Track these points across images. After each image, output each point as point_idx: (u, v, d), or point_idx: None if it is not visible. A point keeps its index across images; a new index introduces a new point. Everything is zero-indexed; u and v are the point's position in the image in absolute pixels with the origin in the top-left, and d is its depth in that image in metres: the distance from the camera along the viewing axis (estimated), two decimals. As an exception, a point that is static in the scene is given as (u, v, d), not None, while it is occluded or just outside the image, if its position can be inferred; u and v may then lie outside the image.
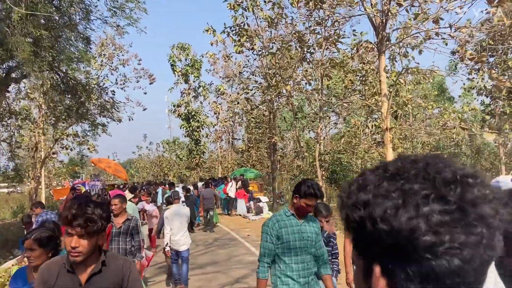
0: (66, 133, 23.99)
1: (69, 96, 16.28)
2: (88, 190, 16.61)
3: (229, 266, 9.04)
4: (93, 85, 17.07)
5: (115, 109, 18.48)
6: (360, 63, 16.65)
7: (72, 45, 12.33)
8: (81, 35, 13.45)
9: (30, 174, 24.09)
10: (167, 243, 7.39)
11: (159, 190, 16.33)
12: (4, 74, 12.96)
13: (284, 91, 17.27)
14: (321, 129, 17.05)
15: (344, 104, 15.41)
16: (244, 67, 20.82)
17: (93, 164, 23.10)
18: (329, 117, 20.08)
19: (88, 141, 27.60)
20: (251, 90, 19.42)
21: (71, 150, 29.12)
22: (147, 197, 11.71)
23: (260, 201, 17.09)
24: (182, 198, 12.97)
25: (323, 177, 17.19)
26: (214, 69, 28.30)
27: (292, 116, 20.35)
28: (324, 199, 17.02)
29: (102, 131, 21.87)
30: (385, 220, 0.69)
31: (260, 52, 18.73)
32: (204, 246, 11.77)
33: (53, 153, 25.81)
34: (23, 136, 24.22)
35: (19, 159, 15.96)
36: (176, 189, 12.35)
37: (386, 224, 0.68)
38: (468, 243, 0.65)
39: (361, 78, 16.61)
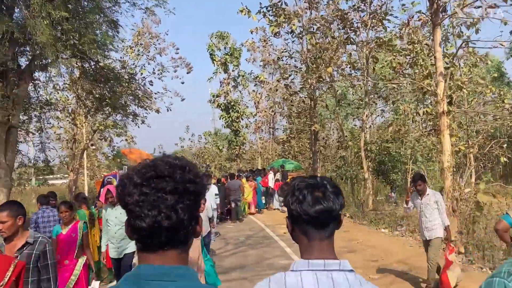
0: (103, 124, 23.69)
1: (101, 85, 15.69)
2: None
3: (258, 271, 7.97)
4: (123, 73, 16.32)
5: (146, 97, 17.75)
6: (410, 43, 15.05)
7: (96, 28, 11.55)
8: (108, 18, 12.73)
9: (69, 166, 24.05)
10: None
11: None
12: (28, 61, 12.42)
13: (326, 75, 15.95)
14: (366, 116, 15.61)
15: (394, 85, 13.90)
16: (283, 51, 19.59)
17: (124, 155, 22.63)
18: (376, 103, 18.53)
19: (126, 132, 27.38)
20: (289, 76, 18.19)
21: (110, 141, 29.08)
22: None
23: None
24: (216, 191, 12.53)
25: (369, 169, 15.78)
26: (253, 57, 27.17)
27: (334, 103, 18.98)
28: (371, 192, 15.69)
29: (133, 121, 21.40)
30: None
31: (299, 35, 17.46)
32: (234, 245, 10.83)
33: (91, 145, 25.65)
34: (61, 128, 24.17)
35: (50, 150, 15.55)
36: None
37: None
38: None
39: (410, 60, 15.02)
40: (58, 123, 24.00)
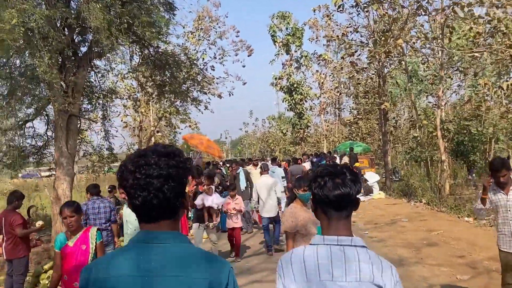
0: (168, 111, 23.78)
1: (161, 71, 15.48)
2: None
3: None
4: (184, 58, 15.98)
5: (207, 82, 17.34)
6: (491, 6, 13.32)
7: (151, 11, 11.14)
8: (163, 0, 12.34)
9: (137, 153, 24.52)
10: (255, 207, 9.31)
11: (240, 171, 11.76)
12: (87, 48, 12.34)
13: (395, 49, 14.60)
14: (442, 91, 14.13)
15: (477, 54, 12.33)
16: (347, 27, 18.32)
17: (185, 141, 22.57)
18: (451, 78, 16.83)
19: (189, 118, 27.42)
20: (355, 51, 16.94)
21: (175, 128, 29.30)
22: (209, 183, 7.83)
23: (366, 181, 14.86)
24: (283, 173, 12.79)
25: (446, 150, 14.33)
26: (315, 35, 25.94)
27: (405, 79, 17.49)
28: (447, 174, 14.25)
29: (196, 107, 21.15)
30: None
31: (365, 7, 16.14)
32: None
33: (157, 132, 25.93)
34: (128, 116, 24.59)
35: (113, 138, 15.60)
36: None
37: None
38: None
39: (491, 29, 13.33)
40: (125, 111, 24.47)
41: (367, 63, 16.59)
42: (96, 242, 4.04)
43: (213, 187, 7.86)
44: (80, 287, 1.51)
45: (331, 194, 1.76)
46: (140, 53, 15.22)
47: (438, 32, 14.94)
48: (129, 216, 5.28)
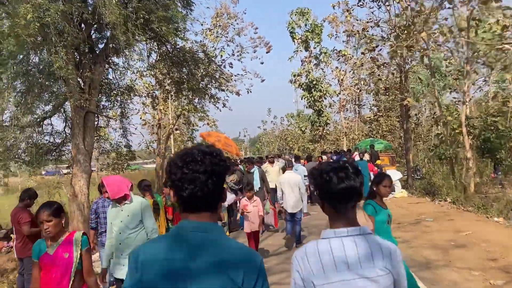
0: (186, 108, 23.68)
1: (178, 68, 15.34)
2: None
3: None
4: (202, 55, 15.79)
5: (224, 79, 17.13)
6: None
7: (168, 6, 10.95)
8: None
9: (156, 151, 24.47)
10: (281, 203, 9.04)
11: (255, 170, 11.33)
12: (104, 44, 12.24)
13: (418, 44, 14.13)
14: (468, 87, 13.62)
15: (507, 46, 11.82)
16: (368, 21, 17.88)
17: (202, 139, 22.42)
18: (477, 73, 16.26)
19: (207, 116, 27.29)
20: (376, 46, 16.52)
21: (192, 125, 29.23)
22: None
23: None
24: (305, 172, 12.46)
25: (472, 147, 13.82)
26: (335, 30, 25.46)
27: (428, 74, 16.97)
28: (473, 172, 13.76)
29: (214, 104, 20.94)
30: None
31: (386, 1, 15.76)
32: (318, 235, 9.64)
33: (176, 129, 25.87)
34: (147, 113, 24.58)
35: (131, 135, 15.52)
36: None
37: None
38: None
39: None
40: (144, 109, 24.45)
41: (389, 58, 16.12)
42: (81, 250, 3.43)
43: None
44: (129, 268, 1.69)
45: (336, 188, 1.89)
46: (157, 50, 15.12)
47: (464, 25, 14.44)
48: (114, 219, 4.62)
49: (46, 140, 14.41)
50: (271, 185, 11.61)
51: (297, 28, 33.18)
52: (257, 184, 10.69)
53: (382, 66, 17.97)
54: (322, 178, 1.95)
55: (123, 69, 14.96)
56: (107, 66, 14.25)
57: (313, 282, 1.84)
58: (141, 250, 1.70)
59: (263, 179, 11.09)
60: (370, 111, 33.71)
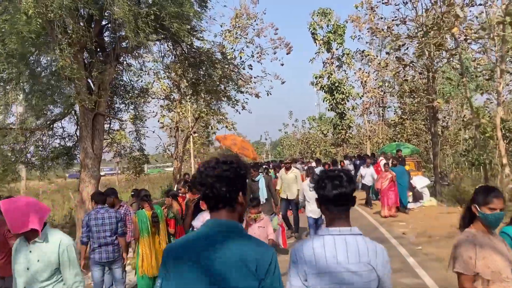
0: (204, 111, 23.15)
1: (194, 69, 14.79)
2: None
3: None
4: (218, 54, 15.19)
5: (242, 79, 16.49)
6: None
7: (178, 2, 10.35)
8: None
9: (173, 154, 24.01)
10: (302, 207, 9.40)
11: (260, 178, 9.72)
12: (114, 43, 11.74)
13: (448, 41, 13.23)
14: (503, 87, 12.64)
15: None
16: (393, 19, 16.99)
17: (218, 142, 21.77)
18: (510, 73, 15.19)
19: (226, 118, 26.73)
20: (403, 45, 15.62)
21: (211, 129, 28.71)
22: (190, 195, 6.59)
23: (414, 187, 13.60)
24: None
25: (507, 152, 12.80)
26: (358, 28, 24.51)
27: (459, 73, 15.96)
28: (510, 179, 12.70)
29: (233, 107, 20.31)
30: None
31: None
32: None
33: (194, 132, 25.38)
34: (165, 116, 24.15)
35: (145, 139, 15.01)
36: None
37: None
38: None
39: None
40: (162, 111, 23.99)
41: (416, 56, 15.21)
42: None
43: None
44: (162, 260, 1.99)
45: (331, 193, 2.17)
46: (172, 50, 14.59)
47: (497, 21, 13.48)
48: (18, 263, 3.22)
49: (57, 143, 14.06)
50: (287, 195, 10.48)
51: (319, 29, 32.37)
52: (263, 195, 9.30)
53: (408, 67, 17.01)
54: (319, 184, 2.25)
55: (137, 70, 14.51)
56: (120, 67, 13.85)
57: (305, 270, 2.15)
58: (173, 245, 2.07)
59: (269, 188, 9.62)
60: (394, 114, 32.61)
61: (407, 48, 15.89)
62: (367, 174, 14.74)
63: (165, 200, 6.33)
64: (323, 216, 8.52)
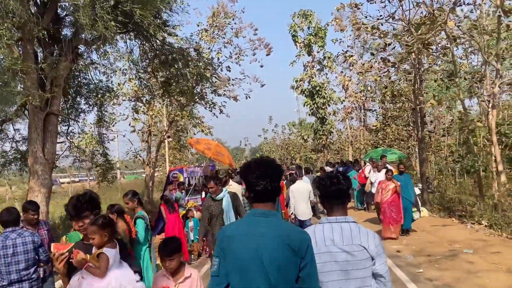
0: (179, 114, 21.82)
1: (165, 67, 13.53)
2: (186, 178, 13.70)
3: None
4: (193, 52, 13.95)
5: (216, 78, 15.30)
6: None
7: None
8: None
9: (145, 160, 22.56)
10: (292, 212, 9.67)
11: (224, 196, 6.62)
12: (72, 34, 10.42)
13: (438, 36, 12.35)
14: (499, 86, 11.77)
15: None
16: (379, 18, 16.04)
17: (190, 147, 20.47)
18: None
19: (202, 122, 25.45)
20: (389, 44, 14.67)
21: (187, 133, 27.37)
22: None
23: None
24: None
25: (503, 158, 11.91)
26: (340, 29, 23.52)
27: (446, 77, 15.09)
28: (506, 188, 11.81)
29: (208, 109, 19.11)
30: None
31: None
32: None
33: (168, 137, 23.98)
34: (137, 120, 22.71)
35: (109, 142, 13.67)
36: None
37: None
38: None
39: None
40: (133, 114, 22.51)
41: (406, 52, 14.27)
42: None
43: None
44: (217, 245, 2.42)
45: (330, 189, 2.73)
46: (141, 46, 13.34)
47: (490, 19, 12.72)
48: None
49: (12, 147, 12.64)
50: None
51: (299, 31, 31.40)
52: (228, 218, 6.49)
53: (393, 68, 16.08)
54: (321, 182, 2.81)
55: (99, 66, 13.19)
56: (82, 63, 12.53)
57: None
58: (226, 228, 2.55)
59: (236, 207, 6.68)
60: (376, 119, 31.82)
61: (394, 47, 14.96)
62: (377, 180, 11.80)
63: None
64: (310, 220, 9.50)
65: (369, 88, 29.50)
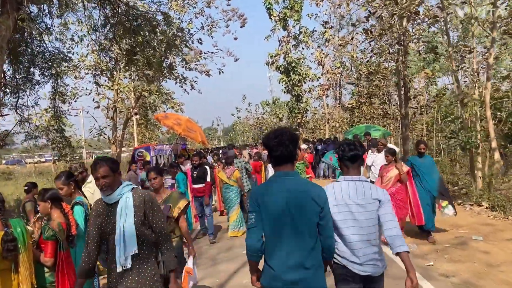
0: (147, 90, 20.35)
1: (127, 33, 12.10)
2: (153, 157, 12.47)
3: None
4: (157, 15, 12.54)
5: (186, 45, 13.96)
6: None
7: None
8: None
9: (111, 139, 21.09)
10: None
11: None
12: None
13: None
14: (494, 58, 10.93)
15: None
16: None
17: (157, 121, 19.12)
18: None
19: (172, 98, 24.05)
20: (374, 12, 13.62)
21: (157, 110, 25.91)
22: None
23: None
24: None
25: (496, 134, 11.14)
26: (317, 4, 22.31)
27: (430, 50, 14.20)
28: (499, 166, 11.06)
29: (179, 84, 17.78)
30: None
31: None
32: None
33: (135, 114, 22.50)
34: (100, 95, 21.12)
35: (66, 117, 12.23)
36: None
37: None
38: None
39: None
40: (97, 89, 20.87)
41: (388, 26, 13.31)
42: None
43: None
44: (252, 202, 2.88)
45: (348, 154, 3.27)
46: (99, 8, 11.88)
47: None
48: None
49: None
50: None
51: (274, 4, 29.99)
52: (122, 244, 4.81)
53: (377, 38, 15.06)
54: (340, 148, 3.34)
55: (52, 29, 11.69)
56: (31, 26, 10.99)
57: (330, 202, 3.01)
58: (259, 187, 3.10)
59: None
60: (351, 98, 31.07)
61: (380, 15, 13.91)
62: (376, 163, 9.40)
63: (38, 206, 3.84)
64: None
65: (344, 66, 28.58)
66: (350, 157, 3.24)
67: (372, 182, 8.18)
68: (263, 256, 2.86)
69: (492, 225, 8.17)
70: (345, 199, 3.14)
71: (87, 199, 4.33)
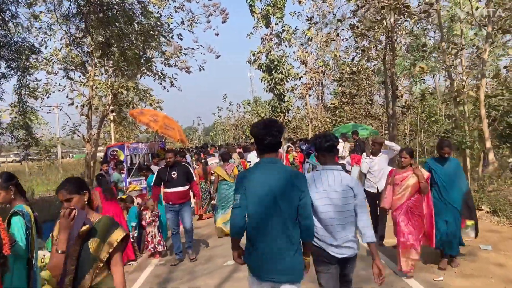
0: (124, 86, 19.38)
1: (103, 24, 11.26)
2: (128, 156, 11.63)
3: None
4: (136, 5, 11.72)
5: (164, 36, 13.14)
6: None
7: None
8: None
9: (85, 137, 20.05)
10: None
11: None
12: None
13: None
14: (488, 54, 10.46)
15: None
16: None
17: (132, 118, 18.21)
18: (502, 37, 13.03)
19: (150, 95, 23.13)
20: (362, 6, 13.06)
21: (133, 107, 24.91)
22: None
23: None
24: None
25: (491, 134, 10.67)
26: (299, 2, 21.72)
27: (420, 47, 13.75)
28: (495, 167, 10.51)
29: (158, 80, 16.91)
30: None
31: None
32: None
33: (112, 111, 21.52)
34: (75, 91, 20.05)
35: (32, 113, 11.32)
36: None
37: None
38: None
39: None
40: (71, 85, 19.79)
41: (378, 20, 12.77)
42: None
43: None
44: (239, 184, 3.17)
45: (325, 144, 3.56)
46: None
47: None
48: None
49: None
50: None
51: (257, 1, 29.30)
52: None
53: (364, 33, 14.53)
54: (317, 140, 3.64)
55: (19, 17, 10.78)
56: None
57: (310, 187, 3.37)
58: (244, 172, 3.32)
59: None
60: (334, 97, 30.67)
61: (368, 9, 13.37)
62: (373, 170, 7.69)
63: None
64: None
65: (327, 65, 28.15)
66: (327, 148, 3.55)
67: (372, 192, 7.61)
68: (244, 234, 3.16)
69: (498, 232, 7.55)
70: (324, 186, 3.45)
71: (31, 207, 3.37)
